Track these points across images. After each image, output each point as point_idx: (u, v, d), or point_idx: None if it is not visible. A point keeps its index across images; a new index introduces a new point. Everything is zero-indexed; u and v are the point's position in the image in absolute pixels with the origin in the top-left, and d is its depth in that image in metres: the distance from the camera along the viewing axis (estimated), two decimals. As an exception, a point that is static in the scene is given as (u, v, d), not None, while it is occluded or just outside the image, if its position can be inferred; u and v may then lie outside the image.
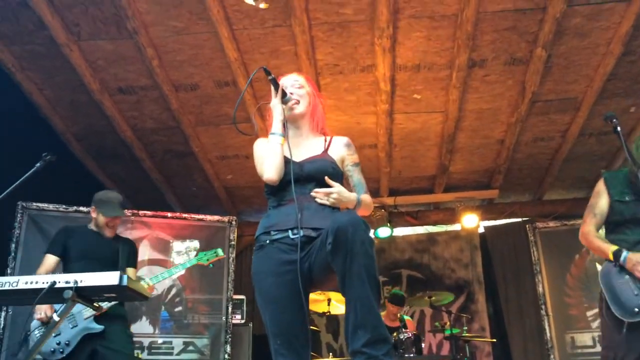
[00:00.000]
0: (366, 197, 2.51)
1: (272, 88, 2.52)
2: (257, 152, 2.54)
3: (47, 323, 3.45)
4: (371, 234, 2.09)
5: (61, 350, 3.39)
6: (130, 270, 3.86)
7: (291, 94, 2.54)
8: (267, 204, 2.59)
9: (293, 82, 2.61)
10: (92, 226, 3.87)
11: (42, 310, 3.46)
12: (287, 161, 2.42)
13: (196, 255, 3.91)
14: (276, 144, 2.40)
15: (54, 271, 3.63)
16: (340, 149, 2.57)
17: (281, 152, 2.39)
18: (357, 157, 2.62)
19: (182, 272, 3.89)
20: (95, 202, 3.87)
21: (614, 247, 2.78)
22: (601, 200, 2.98)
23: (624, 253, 2.72)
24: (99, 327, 3.45)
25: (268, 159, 2.40)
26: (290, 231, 2.32)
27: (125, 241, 3.98)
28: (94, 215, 3.85)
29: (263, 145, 2.51)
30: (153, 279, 3.69)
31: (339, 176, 2.50)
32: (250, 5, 4.16)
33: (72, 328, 3.44)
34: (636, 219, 2.84)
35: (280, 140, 2.41)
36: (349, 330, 2.05)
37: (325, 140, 2.60)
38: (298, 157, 2.47)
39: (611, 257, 2.77)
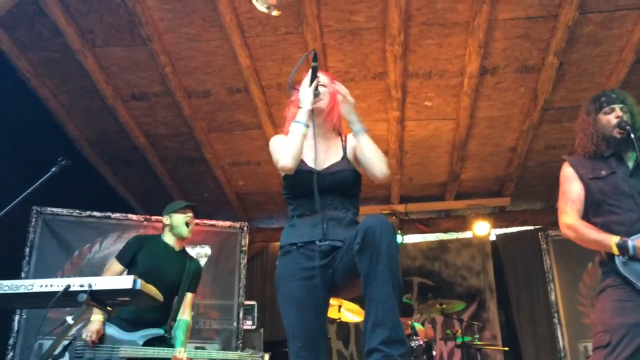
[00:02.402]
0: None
1: (310, 76, 2.47)
2: (275, 145, 2.50)
3: (91, 346, 3.37)
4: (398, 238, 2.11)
5: None
6: (189, 296, 3.73)
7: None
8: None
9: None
10: (164, 237, 3.78)
11: (91, 333, 3.36)
12: (309, 171, 2.39)
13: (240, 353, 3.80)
14: (299, 132, 2.33)
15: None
16: (352, 142, 2.56)
17: (302, 142, 2.33)
18: None
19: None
20: (165, 211, 3.82)
21: (616, 238, 2.46)
22: (574, 184, 2.69)
23: (630, 242, 2.42)
24: None
25: (287, 145, 2.33)
26: (317, 241, 2.33)
27: (193, 261, 3.83)
28: (166, 222, 3.77)
29: (282, 138, 2.47)
30: (191, 354, 3.56)
31: (358, 182, 2.50)
32: (263, 12, 4.19)
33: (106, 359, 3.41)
34: (621, 191, 2.57)
35: (303, 129, 2.34)
36: (367, 329, 2.05)
37: (342, 141, 2.59)
38: (319, 164, 2.43)
39: (615, 249, 2.45)
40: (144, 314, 3.51)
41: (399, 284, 2.06)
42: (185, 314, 3.71)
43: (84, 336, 3.41)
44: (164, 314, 3.59)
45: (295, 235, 2.41)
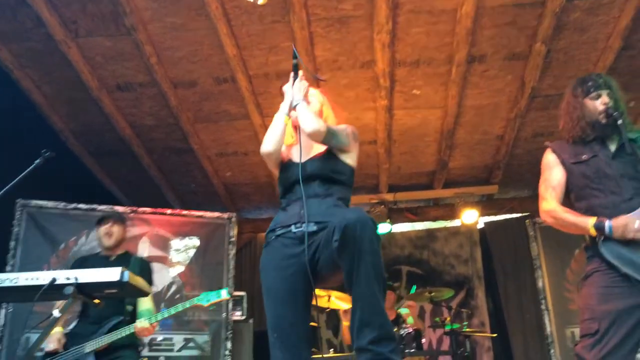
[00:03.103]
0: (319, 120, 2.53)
1: (292, 73, 2.65)
2: None
3: (57, 355, 3.40)
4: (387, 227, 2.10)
5: None
6: (144, 301, 3.73)
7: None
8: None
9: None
10: (100, 250, 3.82)
11: (51, 343, 3.40)
12: (293, 164, 2.54)
13: (198, 296, 3.72)
14: (280, 121, 2.56)
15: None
16: None
17: (283, 130, 2.55)
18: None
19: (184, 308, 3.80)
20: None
21: (593, 219, 2.45)
22: (555, 170, 2.70)
23: (607, 223, 2.40)
24: None
25: (269, 133, 2.56)
26: (293, 225, 2.37)
27: (136, 261, 3.80)
28: (101, 232, 3.78)
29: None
30: (152, 318, 3.56)
31: (343, 171, 2.56)
32: (249, 1, 4.15)
33: None
34: (603, 174, 2.56)
35: (284, 118, 2.57)
36: (354, 327, 2.06)
37: None
38: (304, 157, 2.54)
39: (592, 231, 2.45)
40: (105, 312, 3.51)
41: (382, 277, 2.07)
42: (144, 305, 3.71)
43: (46, 349, 3.41)
44: (120, 310, 3.63)
45: (274, 223, 2.47)
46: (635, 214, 2.42)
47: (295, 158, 2.55)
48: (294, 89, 2.62)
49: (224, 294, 3.69)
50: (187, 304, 3.66)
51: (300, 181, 2.41)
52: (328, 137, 2.51)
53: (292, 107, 2.58)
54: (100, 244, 3.80)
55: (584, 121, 2.67)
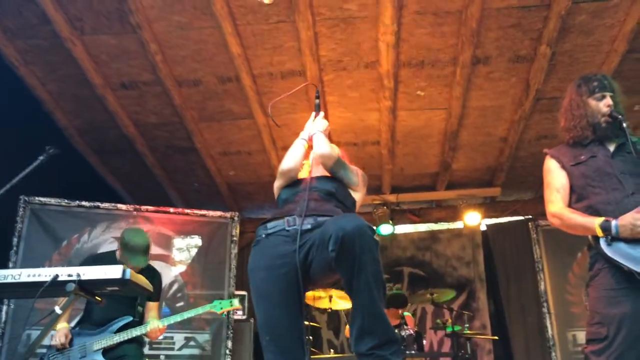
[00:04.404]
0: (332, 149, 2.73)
1: (315, 110, 2.92)
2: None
3: (62, 350, 3.45)
4: (375, 236, 2.09)
5: None
6: (151, 305, 3.80)
7: None
8: (270, 201, 2.70)
9: None
10: (118, 257, 3.79)
11: (58, 338, 3.45)
12: (300, 181, 2.67)
13: (211, 303, 3.86)
14: (300, 145, 2.75)
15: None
16: None
17: (302, 151, 2.73)
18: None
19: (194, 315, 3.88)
20: (122, 244, 3.75)
21: (599, 219, 2.45)
22: (556, 174, 2.72)
23: (613, 222, 2.40)
24: None
25: (289, 153, 2.73)
26: (286, 220, 2.35)
27: (150, 273, 3.83)
28: (118, 253, 3.77)
29: None
30: (164, 321, 3.66)
31: (347, 196, 2.65)
32: (255, 0, 4.15)
33: (80, 358, 3.44)
34: (603, 172, 2.57)
35: (305, 144, 2.75)
36: (354, 333, 2.05)
37: None
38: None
39: (599, 231, 2.45)
40: (112, 316, 3.58)
41: (382, 284, 2.07)
42: (150, 314, 3.80)
43: (53, 343, 3.44)
44: (131, 314, 3.67)
45: (267, 223, 2.45)
46: (638, 210, 2.41)
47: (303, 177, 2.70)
48: (315, 123, 2.82)
49: (235, 302, 3.89)
50: (201, 310, 3.80)
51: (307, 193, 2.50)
52: (337, 165, 2.64)
53: (310, 137, 2.75)
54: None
55: (585, 121, 2.69)
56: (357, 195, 2.72)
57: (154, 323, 3.59)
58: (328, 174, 2.70)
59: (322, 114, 2.88)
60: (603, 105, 2.67)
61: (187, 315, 3.75)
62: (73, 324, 3.69)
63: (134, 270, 3.68)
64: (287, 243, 2.29)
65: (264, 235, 2.38)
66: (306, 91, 5.18)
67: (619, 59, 4.76)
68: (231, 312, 5.32)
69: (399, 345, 2.06)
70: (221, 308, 3.82)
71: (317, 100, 2.95)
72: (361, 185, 2.75)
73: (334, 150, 2.71)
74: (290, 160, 2.69)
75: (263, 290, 2.29)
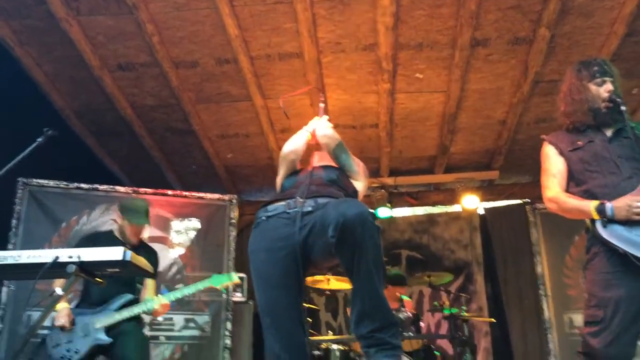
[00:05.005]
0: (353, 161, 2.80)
1: (321, 109, 3.04)
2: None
3: (65, 330, 3.47)
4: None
5: (70, 357, 3.42)
6: (149, 282, 3.84)
7: None
8: (268, 184, 2.73)
9: None
10: (116, 233, 3.85)
11: (60, 318, 3.48)
12: (302, 170, 2.71)
13: (210, 278, 3.88)
14: (303, 135, 2.85)
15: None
16: None
17: (305, 139, 2.82)
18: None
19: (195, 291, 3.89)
20: (121, 209, 3.83)
21: (595, 202, 2.48)
22: (554, 160, 2.73)
23: (608, 204, 2.43)
24: (107, 340, 3.47)
25: (291, 139, 2.83)
26: (286, 203, 2.36)
27: (148, 250, 3.91)
28: (119, 221, 3.83)
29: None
30: (166, 297, 3.69)
31: (343, 180, 2.65)
32: (252, -19, 4.11)
33: (83, 337, 3.47)
34: (600, 157, 2.59)
35: (308, 135, 2.85)
36: (354, 317, 2.07)
37: None
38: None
39: (594, 213, 2.47)
40: (111, 296, 3.61)
41: (382, 267, 2.10)
42: (147, 294, 3.83)
43: (56, 324, 3.45)
44: (130, 292, 3.71)
45: (267, 205, 2.46)
46: (634, 193, 2.44)
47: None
48: (320, 119, 2.91)
49: (234, 277, 3.89)
50: (200, 286, 3.80)
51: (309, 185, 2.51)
52: (340, 148, 2.70)
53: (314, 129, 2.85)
54: (122, 232, 3.82)
55: (585, 105, 2.69)
56: (359, 185, 2.73)
57: (159, 299, 3.63)
58: (330, 165, 2.74)
59: (326, 117, 2.96)
60: (603, 90, 2.68)
61: (186, 291, 3.77)
62: (73, 305, 3.71)
63: (137, 230, 3.77)
64: (288, 225, 2.29)
65: (264, 218, 2.39)
66: (304, 73, 5.16)
67: (618, 41, 4.74)
68: (230, 293, 5.35)
69: (397, 327, 2.08)
70: (219, 283, 3.83)
71: (322, 105, 3.08)
72: (362, 175, 2.79)
73: (335, 133, 2.79)
74: (291, 144, 2.78)
75: (263, 272, 2.30)
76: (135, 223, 3.77)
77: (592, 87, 2.70)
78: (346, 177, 2.68)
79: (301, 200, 2.32)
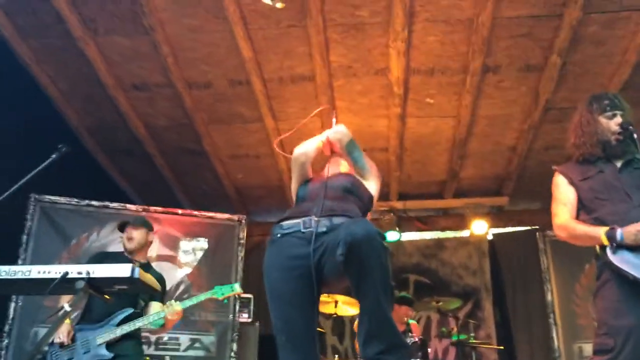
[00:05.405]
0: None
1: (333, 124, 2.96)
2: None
3: (65, 347, 3.47)
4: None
5: None
6: (155, 305, 3.80)
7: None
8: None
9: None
10: (126, 253, 3.87)
11: (60, 334, 3.46)
12: (318, 179, 2.70)
13: (212, 289, 3.88)
14: (315, 139, 2.80)
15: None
16: None
17: (316, 145, 2.77)
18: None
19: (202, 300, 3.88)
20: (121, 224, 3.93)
21: (605, 228, 2.49)
22: (564, 189, 2.76)
23: (618, 230, 2.44)
24: (108, 355, 3.45)
25: (303, 143, 2.80)
26: (302, 222, 2.35)
27: (154, 274, 3.87)
28: (124, 236, 3.86)
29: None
30: (177, 305, 3.66)
31: (358, 188, 2.65)
32: (267, 4, 4.17)
33: (84, 354, 3.45)
34: (610, 186, 2.62)
35: (320, 141, 2.80)
36: (361, 338, 2.07)
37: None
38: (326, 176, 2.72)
39: (604, 239, 2.48)
40: (113, 312, 3.59)
41: (390, 289, 2.09)
42: (154, 310, 3.77)
43: (55, 341, 3.45)
44: (131, 307, 3.68)
45: (282, 218, 2.48)
46: None
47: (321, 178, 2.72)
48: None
49: (236, 287, 3.86)
50: (202, 297, 3.80)
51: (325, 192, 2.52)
52: (351, 145, 2.69)
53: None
54: (127, 249, 3.85)
55: (595, 138, 2.73)
56: (372, 187, 2.74)
57: (173, 307, 3.61)
58: (343, 172, 2.77)
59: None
60: (614, 123, 2.72)
61: (188, 302, 3.74)
62: (74, 321, 3.70)
63: (137, 229, 3.79)
64: (302, 246, 2.30)
65: (279, 235, 2.39)
66: (316, 95, 5.20)
67: (630, 70, 4.75)
68: (236, 314, 5.33)
69: (406, 349, 2.07)
70: (222, 294, 3.82)
71: (335, 120, 3.06)
72: (373, 175, 2.79)
73: (348, 131, 2.78)
74: (302, 147, 2.77)
75: (277, 290, 2.32)
76: (120, 227, 3.84)
77: (603, 120, 2.74)
78: (361, 184, 2.68)
79: (316, 219, 2.33)
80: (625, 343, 2.36)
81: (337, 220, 2.29)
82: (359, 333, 2.08)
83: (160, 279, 3.87)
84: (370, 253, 2.00)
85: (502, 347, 6.52)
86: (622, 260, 2.44)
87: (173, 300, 3.68)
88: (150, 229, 3.96)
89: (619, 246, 2.45)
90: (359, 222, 2.19)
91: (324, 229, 2.29)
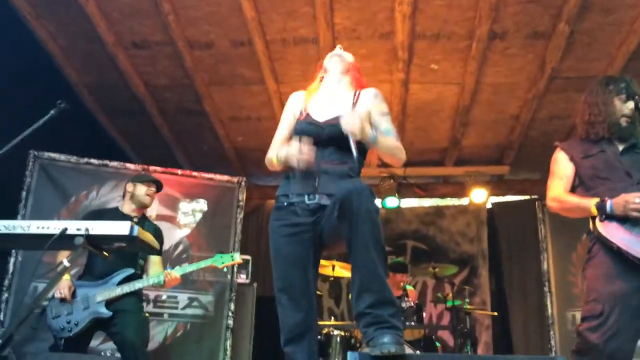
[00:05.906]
0: (388, 140, 2.46)
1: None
2: (284, 114, 2.72)
3: (65, 302, 3.51)
4: (377, 202, 2.13)
5: (70, 329, 3.46)
6: (154, 259, 3.88)
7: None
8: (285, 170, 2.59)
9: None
10: (122, 208, 3.92)
11: (61, 289, 3.51)
12: (310, 122, 2.49)
13: (213, 257, 3.94)
14: (293, 153, 2.33)
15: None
16: (367, 102, 2.56)
17: (285, 162, 2.40)
18: (385, 107, 2.60)
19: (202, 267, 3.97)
20: (132, 179, 3.99)
21: (595, 200, 2.56)
22: (563, 165, 2.81)
23: (608, 201, 2.50)
24: (107, 313, 3.49)
25: (283, 148, 2.44)
26: (306, 196, 2.38)
27: (153, 227, 3.93)
28: (129, 190, 3.90)
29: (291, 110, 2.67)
30: (176, 271, 3.72)
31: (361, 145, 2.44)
32: (271, -38, 4.08)
33: (83, 310, 3.50)
34: (612, 165, 2.66)
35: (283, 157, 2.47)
36: (354, 294, 2.09)
37: (354, 95, 2.60)
38: (322, 115, 2.50)
39: (594, 210, 2.55)
40: (113, 270, 3.64)
41: (381, 245, 2.10)
42: (154, 269, 3.87)
43: (57, 295, 3.48)
44: (132, 267, 3.73)
45: (289, 188, 2.46)
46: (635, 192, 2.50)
47: (315, 116, 2.52)
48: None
49: (236, 257, 3.94)
50: (202, 264, 3.88)
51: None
52: (374, 138, 2.37)
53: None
54: (135, 199, 3.89)
55: (606, 117, 2.74)
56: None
57: (170, 273, 3.67)
58: (341, 107, 2.47)
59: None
60: (626, 107, 2.74)
61: (188, 268, 3.83)
62: (75, 277, 3.74)
63: (149, 191, 3.85)
64: (306, 215, 2.37)
65: (285, 203, 2.43)
66: (318, 58, 5.11)
67: (638, 39, 4.68)
68: (235, 275, 5.38)
69: (397, 308, 2.09)
70: (222, 262, 3.90)
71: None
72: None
73: (402, 151, 2.52)
74: (273, 154, 2.54)
75: (281, 253, 2.38)
76: (147, 180, 3.92)
77: (617, 102, 2.76)
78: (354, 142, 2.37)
79: (320, 195, 2.36)
80: (612, 309, 2.42)
81: (338, 188, 2.30)
82: (352, 290, 2.11)
83: (156, 232, 3.92)
84: (359, 205, 2.04)
85: (496, 314, 6.60)
86: (609, 231, 2.51)
87: (171, 268, 3.74)
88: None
89: (609, 217, 2.51)
90: (350, 180, 2.31)
91: (326, 203, 2.34)
